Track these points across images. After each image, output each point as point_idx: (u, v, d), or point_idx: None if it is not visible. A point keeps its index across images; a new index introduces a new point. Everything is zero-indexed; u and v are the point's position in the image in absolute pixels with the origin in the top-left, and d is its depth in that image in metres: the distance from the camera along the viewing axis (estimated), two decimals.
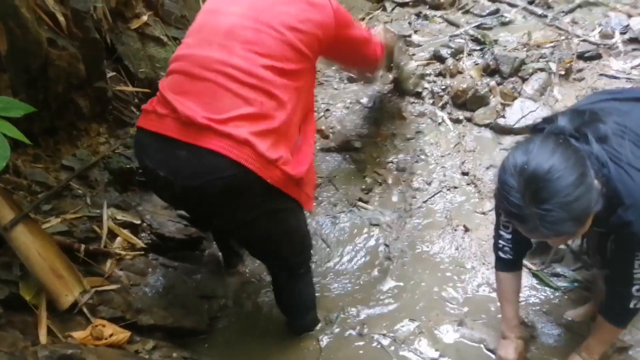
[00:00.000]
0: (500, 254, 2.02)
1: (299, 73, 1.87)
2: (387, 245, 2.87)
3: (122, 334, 2.08)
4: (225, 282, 2.74)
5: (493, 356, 2.23)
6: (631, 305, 1.74)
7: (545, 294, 2.42)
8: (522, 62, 3.74)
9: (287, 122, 1.84)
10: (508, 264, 2.04)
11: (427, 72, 3.85)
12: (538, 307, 2.37)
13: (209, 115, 1.72)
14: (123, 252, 2.35)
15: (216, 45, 1.81)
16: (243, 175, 1.72)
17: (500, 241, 2.01)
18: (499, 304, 2.40)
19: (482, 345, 2.29)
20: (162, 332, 2.25)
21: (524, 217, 1.48)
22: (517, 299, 2.10)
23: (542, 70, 3.68)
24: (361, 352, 2.36)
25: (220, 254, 2.76)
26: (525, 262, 2.56)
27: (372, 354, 2.34)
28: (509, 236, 1.97)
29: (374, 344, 2.38)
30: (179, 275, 2.47)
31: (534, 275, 2.51)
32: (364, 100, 3.92)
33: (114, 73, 3.01)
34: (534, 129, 1.71)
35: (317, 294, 2.47)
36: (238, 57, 1.77)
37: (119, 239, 2.40)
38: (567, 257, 2.53)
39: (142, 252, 2.42)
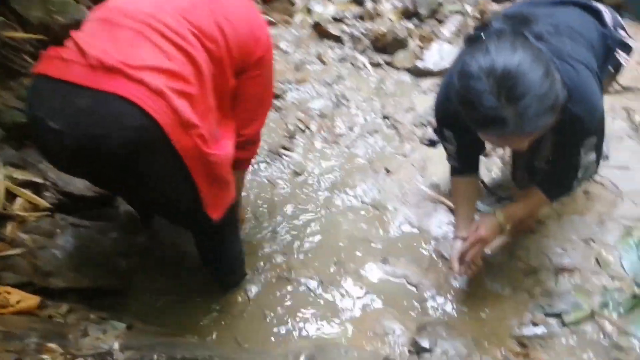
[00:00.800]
0: (452, 161, 2.13)
1: (222, 66, 1.73)
2: (310, 192, 2.87)
3: (31, 300, 1.93)
4: (142, 238, 2.62)
5: (415, 290, 2.33)
6: (573, 184, 1.92)
7: None
8: (440, 5, 3.77)
9: (204, 97, 1.65)
10: (460, 170, 2.13)
11: (346, 15, 3.78)
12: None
13: (122, 60, 1.48)
14: (25, 214, 2.15)
15: (147, 2, 1.63)
16: (152, 130, 1.48)
17: (449, 156, 2.13)
18: (424, 239, 2.51)
19: (404, 280, 2.38)
20: (77, 294, 2.12)
21: (503, 119, 1.41)
22: (470, 204, 2.14)
23: (458, 12, 3.72)
24: (289, 297, 2.38)
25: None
26: (442, 199, 2.68)
27: (300, 298, 2.36)
28: (455, 149, 2.06)
29: (302, 288, 2.40)
30: (91, 235, 2.31)
31: (452, 211, 2.61)
32: (283, 45, 3.80)
33: (1, 18, 2.67)
34: (469, 38, 1.66)
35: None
36: (169, 16, 1.60)
37: (19, 200, 2.19)
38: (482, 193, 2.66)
39: (48, 213, 2.23)
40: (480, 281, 2.29)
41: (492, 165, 2.81)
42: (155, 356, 1.66)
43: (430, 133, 3.02)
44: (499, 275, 2.29)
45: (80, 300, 2.13)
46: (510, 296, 2.21)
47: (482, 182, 2.67)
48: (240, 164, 2.08)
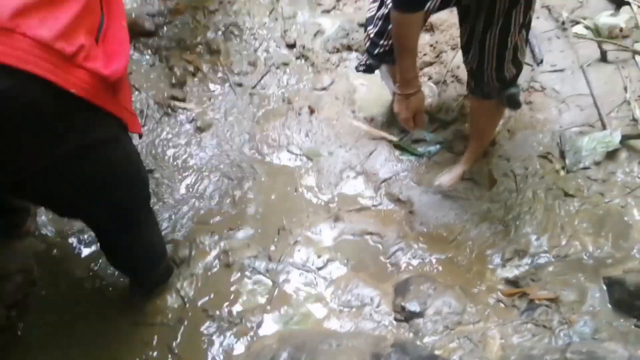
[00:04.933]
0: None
1: None
2: (224, 151, 2.33)
3: None
4: (16, 251, 1.92)
5: (380, 245, 2.02)
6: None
7: (411, 164, 2.24)
8: None
9: None
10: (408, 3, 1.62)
11: None
12: (408, 180, 2.19)
13: None
14: None
15: None
16: (25, 87, 0.99)
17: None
18: (373, 184, 2.18)
19: (365, 236, 2.05)
20: None
21: None
22: (416, 47, 1.76)
23: None
24: (234, 287, 1.91)
25: None
26: (382, 134, 2.34)
27: (249, 285, 1.92)
28: None
29: (248, 272, 1.94)
30: None
31: (395, 146, 2.28)
32: None
33: None
34: None
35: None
36: None
37: None
38: None
39: None
40: (447, 218, 2.05)
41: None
42: None
43: (358, 56, 2.57)
44: (465, 208, 2.06)
45: None
46: (483, 229, 2.00)
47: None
48: None
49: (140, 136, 1.45)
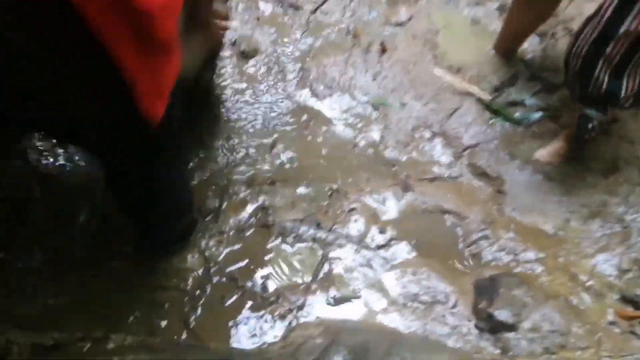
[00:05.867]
0: None
1: None
2: (270, 86, 1.88)
3: None
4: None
5: (459, 229, 1.59)
6: None
7: (504, 131, 1.79)
8: None
9: None
10: None
11: None
12: (499, 151, 1.75)
13: None
14: None
15: None
16: None
17: None
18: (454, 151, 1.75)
19: (440, 214, 1.62)
20: None
21: None
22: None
23: None
24: (274, 254, 1.51)
25: None
26: (471, 89, 1.87)
27: (288, 255, 1.51)
28: None
29: (290, 239, 1.53)
30: None
31: (487, 107, 1.83)
32: None
33: None
34: None
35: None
36: None
37: None
38: (521, 78, 1.89)
39: None
40: (546, 206, 1.62)
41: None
42: None
43: None
44: (572, 196, 1.63)
45: None
46: (594, 227, 1.57)
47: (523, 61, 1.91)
48: None
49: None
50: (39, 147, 1.57)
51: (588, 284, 1.47)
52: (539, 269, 1.50)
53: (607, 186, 1.63)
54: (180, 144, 1.24)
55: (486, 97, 1.83)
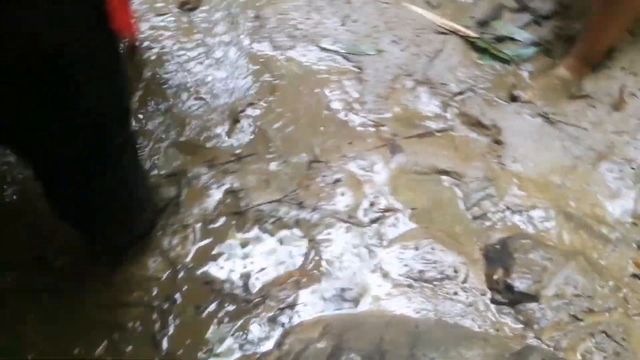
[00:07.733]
0: None
1: None
2: (224, 43, 1.58)
3: None
4: None
5: (458, 189, 1.40)
6: None
7: (495, 72, 1.58)
8: None
9: None
10: None
11: None
12: (491, 95, 1.55)
13: None
14: None
15: None
16: None
17: None
18: (443, 99, 1.53)
19: (436, 175, 1.42)
20: None
21: None
22: None
23: None
24: (252, 247, 1.27)
25: None
26: (455, 26, 1.64)
27: (273, 245, 1.28)
28: None
29: (269, 225, 1.30)
30: None
31: (473, 47, 1.61)
32: None
33: None
34: None
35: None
36: None
37: None
38: (506, 10, 1.67)
39: None
40: (550, 153, 1.45)
41: None
42: None
43: None
44: (577, 138, 1.46)
45: None
46: (603, 171, 1.42)
47: None
48: None
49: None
50: None
51: (604, 235, 1.33)
52: (550, 225, 1.34)
53: (613, 124, 1.47)
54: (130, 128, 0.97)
55: (471, 34, 1.60)
